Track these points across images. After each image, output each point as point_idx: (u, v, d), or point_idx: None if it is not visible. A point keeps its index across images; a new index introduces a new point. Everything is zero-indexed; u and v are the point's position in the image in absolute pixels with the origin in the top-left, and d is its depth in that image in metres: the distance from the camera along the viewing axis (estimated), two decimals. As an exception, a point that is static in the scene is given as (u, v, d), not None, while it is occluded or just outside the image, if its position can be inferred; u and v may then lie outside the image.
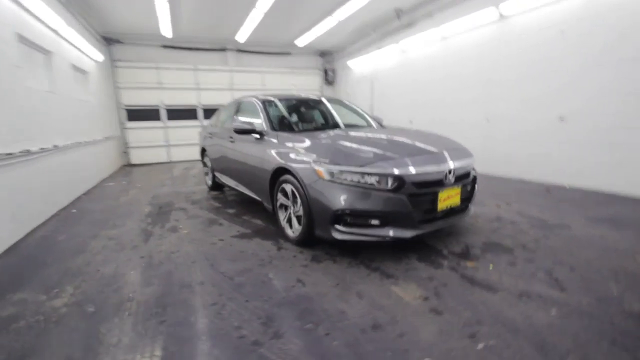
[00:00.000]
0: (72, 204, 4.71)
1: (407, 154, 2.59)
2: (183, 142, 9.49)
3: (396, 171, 2.38)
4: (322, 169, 2.50)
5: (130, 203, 4.72)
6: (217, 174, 4.90)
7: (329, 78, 11.00)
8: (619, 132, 4.18)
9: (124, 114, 8.69)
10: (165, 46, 8.97)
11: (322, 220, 2.52)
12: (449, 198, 2.61)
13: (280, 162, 2.95)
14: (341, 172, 2.44)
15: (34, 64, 4.35)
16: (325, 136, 3.12)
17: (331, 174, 2.47)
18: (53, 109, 4.55)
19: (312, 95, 4.52)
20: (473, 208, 3.08)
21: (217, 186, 5.23)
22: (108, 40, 8.15)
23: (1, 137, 3.18)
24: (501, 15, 5.41)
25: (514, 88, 5.39)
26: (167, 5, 6.02)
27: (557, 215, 3.50)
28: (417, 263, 2.51)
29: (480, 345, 1.59)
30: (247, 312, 1.93)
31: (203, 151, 5.45)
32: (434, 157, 2.62)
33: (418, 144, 2.87)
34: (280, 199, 3.05)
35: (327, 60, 11.23)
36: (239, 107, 4.38)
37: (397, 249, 2.73)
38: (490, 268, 2.40)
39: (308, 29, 8.15)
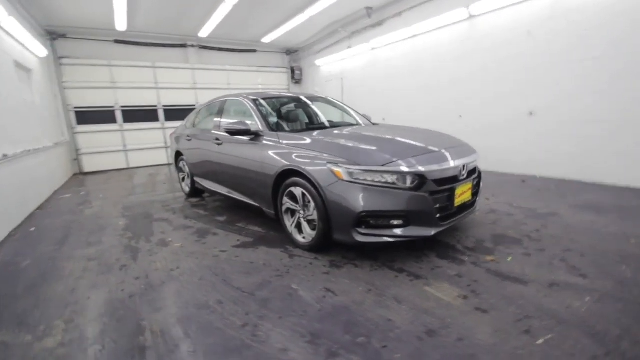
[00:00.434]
0: (28, 220, 4.08)
1: (424, 151, 2.56)
2: (143, 146, 8.75)
3: (420, 169, 2.34)
4: (340, 170, 2.38)
5: (99, 216, 4.20)
6: (198, 180, 4.53)
7: (295, 77, 10.81)
8: (584, 125, 4.56)
9: (73, 117, 7.78)
10: (117, 41, 8.18)
11: (343, 224, 2.40)
12: (463, 194, 2.62)
13: (286, 164, 2.76)
14: (362, 171, 2.34)
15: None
16: (331, 135, 2.99)
17: (350, 174, 2.36)
18: (-3, 112, 3.90)
19: (302, 94, 4.36)
20: (478, 203, 3.14)
21: (196, 192, 4.85)
22: (52, 35, 7.22)
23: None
24: (470, 15, 5.65)
25: (485, 84, 5.67)
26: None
27: (542, 204, 3.72)
28: (439, 261, 2.49)
29: (540, 341, 1.58)
30: (287, 331, 1.76)
31: (178, 155, 5.02)
32: (449, 153, 2.62)
33: (428, 140, 2.86)
34: (287, 203, 2.86)
35: (294, 59, 11.04)
36: (222, 107, 4.08)
37: (413, 248, 2.69)
38: (509, 260, 2.45)
39: (278, 25, 7.92)
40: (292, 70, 10.83)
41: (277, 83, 10.88)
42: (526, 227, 3.07)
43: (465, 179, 2.64)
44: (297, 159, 2.69)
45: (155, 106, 8.86)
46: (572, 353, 1.50)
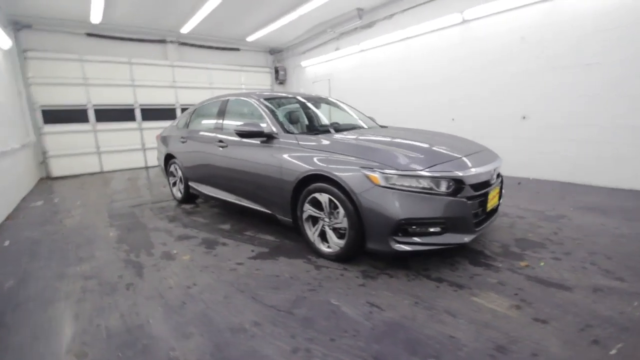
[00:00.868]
0: (-2, 234, 3.60)
1: (457, 155, 2.50)
2: (118, 147, 8.15)
3: (459, 173, 2.26)
4: (376, 175, 2.24)
5: (83, 227, 3.78)
6: (193, 185, 4.22)
7: (279, 77, 10.57)
8: (576, 129, 4.74)
9: (40, 116, 7.07)
10: (90, 34, 7.55)
11: (379, 232, 2.26)
12: (493, 198, 2.58)
13: (310, 168, 2.59)
14: (399, 176, 2.22)
15: None
16: (355, 137, 2.85)
17: (387, 179, 2.23)
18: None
19: (307, 94, 4.19)
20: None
21: (189, 198, 4.53)
22: (15, 25, 6.52)
23: None
24: (464, 19, 5.73)
25: (479, 88, 5.77)
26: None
27: (547, 207, 3.79)
28: (474, 268, 2.43)
29: (613, 351, 1.53)
30: (345, 355, 1.59)
31: (169, 158, 4.67)
32: (480, 157, 2.57)
33: (454, 144, 2.81)
34: (308, 210, 2.69)
35: (277, 59, 10.79)
36: (224, 107, 3.81)
37: (442, 255, 2.61)
38: (542, 265, 2.43)
39: (267, 23, 7.67)
40: (276, 71, 10.58)
41: (260, 83, 10.59)
42: (543, 230, 3.09)
43: (494, 183, 2.60)
44: (323, 163, 2.53)
45: (132, 105, 8.29)
46: (650, 364, 1.46)
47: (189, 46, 9.03)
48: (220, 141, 3.55)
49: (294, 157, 2.75)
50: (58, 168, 7.40)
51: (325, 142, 2.72)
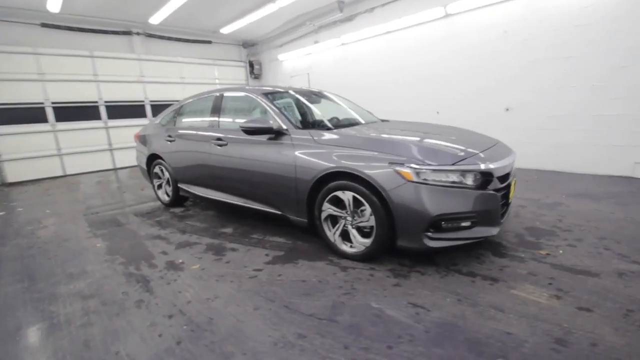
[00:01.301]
0: (-41, 252, 3.10)
1: (484, 147, 2.49)
2: (82, 148, 7.48)
3: (490, 166, 2.24)
4: (408, 171, 2.16)
5: (62, 238, 3.38)
6: (184, 187, 3.92)
7: (255, 71, 10.22)
8: (554, 119, 4.99)
9: (-12, 115, 6.28)
10: (45, 25, 6.81)
11: (412, 229, 2.19)
12: (512, 190, 2.61)
13: (331, 165, 2.46)
14: (432, 171, 2.16)
15: None
16: (375, 131, 2.76)
17: (418, 174, 2.16)
18: None
19: (305, 89, 4.01)
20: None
21: (177, 201, 4.21)
22: (-46, 11, 5.70)
23: None
24: (447, 13, 5.81)
25: (463, 81, 5.90)
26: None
27: (542, 195, 3.95)
28: (499, 259, 2.44)
29: (665, 336, 1.58)
30: (410, 362, 1.50)
31: (153, 158, 4.30)
32: (500, 149, 2.58)
33: (469, 138, 2.81)
34: (328, 209, 2.56)
35: (252, 52, 10.42)
36: (219, 103, 3.54)
37: (464, 248, 2.60)
38: (561, 252, 2.49)
39: (244, 14, 7.33)
40: (251, 64, 10.22)
41: (234, 77, 10.18)
42: (547, 218, 3.19)
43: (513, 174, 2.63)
44: (346, 160, 2.41)
45: (96, 102, 7.62)
46: (702, 345, 1.51)
47: (157, 38, 8.47)
48: (219, 139, 3.30)
49: (310, 154, 2.60)
50: (14, 173, 6.63)
51: (343, 137, 2.61)
